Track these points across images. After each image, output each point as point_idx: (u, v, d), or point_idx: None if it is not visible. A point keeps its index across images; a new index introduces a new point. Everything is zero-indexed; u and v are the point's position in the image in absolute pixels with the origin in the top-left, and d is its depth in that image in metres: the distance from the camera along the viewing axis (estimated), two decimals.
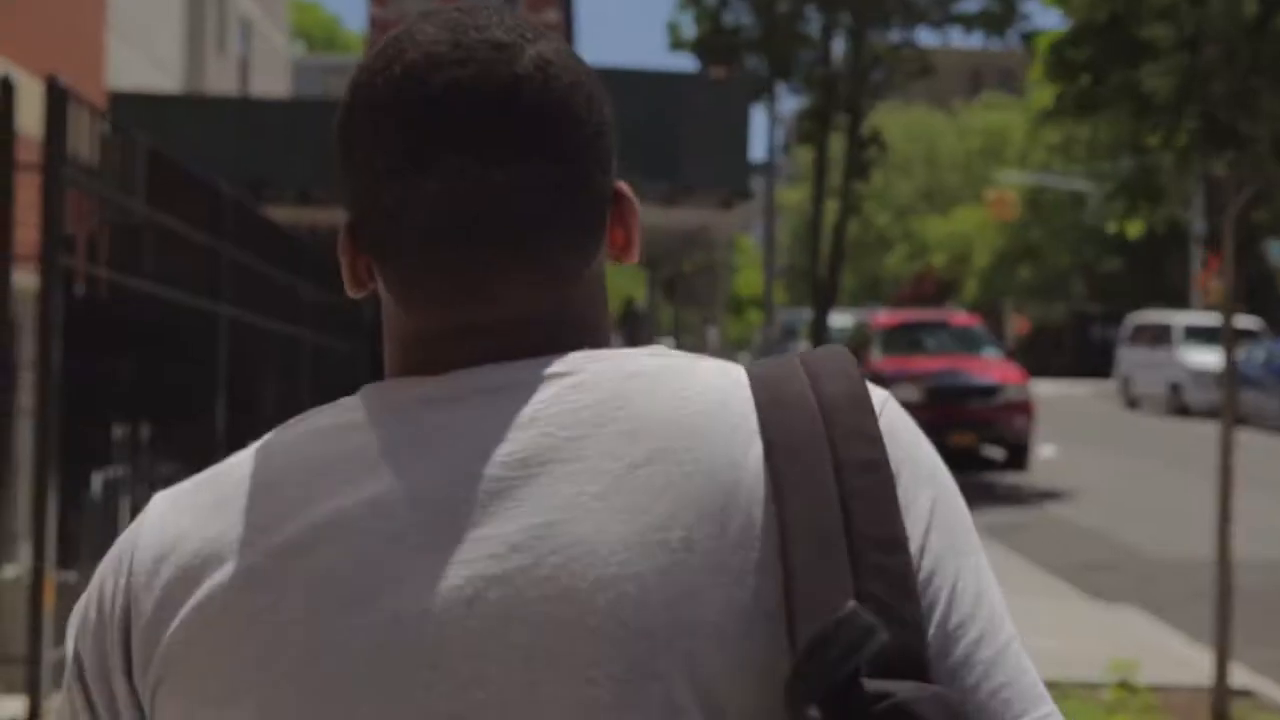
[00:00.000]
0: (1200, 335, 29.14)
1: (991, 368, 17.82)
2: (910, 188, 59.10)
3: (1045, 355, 44.70)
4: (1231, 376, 5.77)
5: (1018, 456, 17.65)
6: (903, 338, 19.00)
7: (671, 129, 17.53)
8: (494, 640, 0.88)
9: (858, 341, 19.60)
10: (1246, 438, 23.24)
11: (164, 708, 0.94)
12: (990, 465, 17.47)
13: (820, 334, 22.45)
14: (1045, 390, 23.21)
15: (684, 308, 27.51)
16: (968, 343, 18.87)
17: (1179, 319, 30.36)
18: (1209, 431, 24.91)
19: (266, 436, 1.00)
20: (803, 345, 30.69)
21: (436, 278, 0.97)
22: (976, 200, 53.35)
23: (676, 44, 20.66)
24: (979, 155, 56.71)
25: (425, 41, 0.98)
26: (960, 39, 55.94)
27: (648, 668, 0.87)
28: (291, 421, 1.00)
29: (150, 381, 6.01)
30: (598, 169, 1.02)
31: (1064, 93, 5.94)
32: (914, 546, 0.91)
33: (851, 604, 0.84)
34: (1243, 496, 16.33)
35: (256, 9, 33.34)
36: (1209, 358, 27.95)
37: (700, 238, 19.40)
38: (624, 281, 61.28)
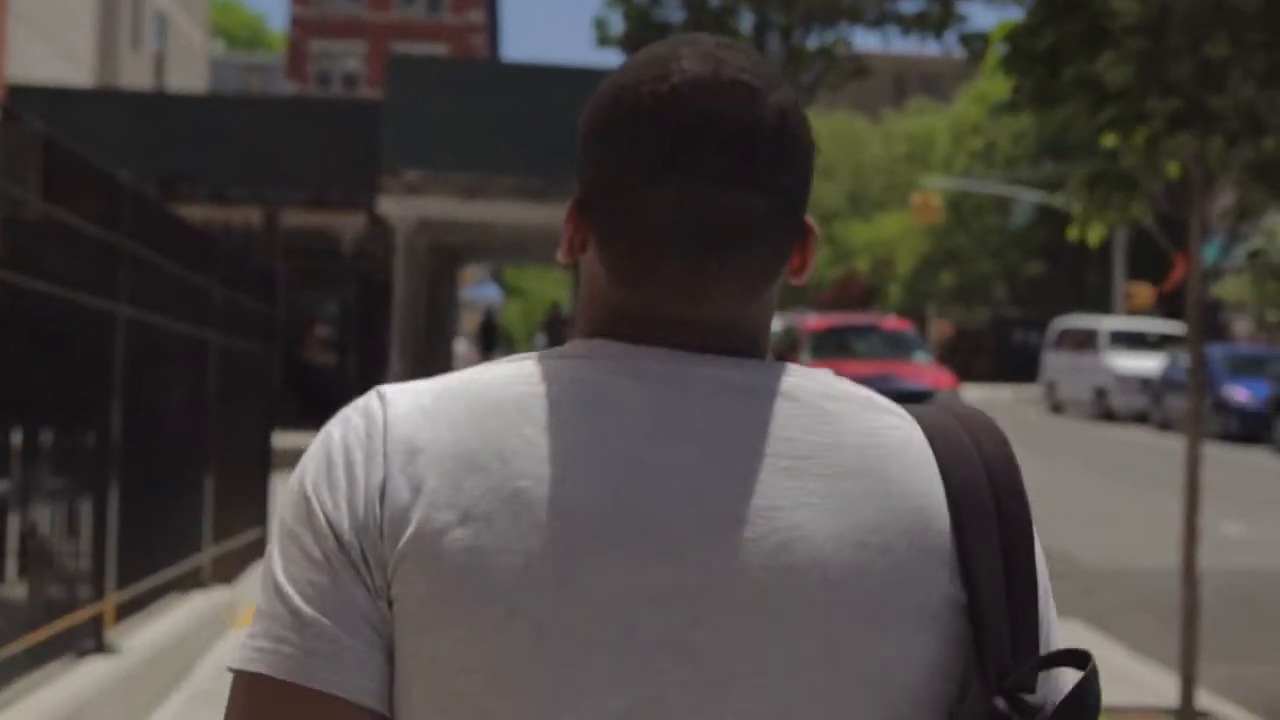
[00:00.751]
0: (1125, 340, 29.20)
1: (923, 372, 17.56)
2: (834, 192, 59.16)
3: (967, 359, 44.78)
4: (1197, 385, 5.46)
5: None
6: (833, 341, 18.70)
7: None
8: (727, 593, 1.07)
9: (787, 345, 19.29)
10: (1174, 444, 23.25)
11: (411, 577, 1.05)
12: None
13: None
14: (969, 395, 23.07)
15: None
16: (899, 347, 18.61)
17: (1105, 324, 30.42)
18: (1136, 437, 24.99)
19: (503, 365, 1.14)
20: None
21: (657, 272, 1.12)
22: (900, 205, 53.44)
23: (604, 40, 20.24)
24: (903, 161, 56.86)
25: (690, 70, 1.13)
26: (885, 44, 56.04)
27: (842, 638, 1.07)
28: (525, 357, 1.15)
29: (36, 387, 5.52)
30: (801, 206, 1.17)
31: (1020, 85, 5.60)
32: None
33: (1093, 663, 1.09)
34: (1173, 504, 16.16)
35: (172, 4, 32.56)
36: (1135, 362, 28.02)
37: None
38: (548, 285, 60.87)
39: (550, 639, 1.05)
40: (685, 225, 1.11)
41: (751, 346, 1.17)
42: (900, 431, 1.14)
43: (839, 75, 19.05)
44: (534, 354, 1.15)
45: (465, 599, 1.05)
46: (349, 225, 19.40)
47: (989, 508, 1.12)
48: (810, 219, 1.20)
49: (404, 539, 1.06)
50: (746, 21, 19.16)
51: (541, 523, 1.06)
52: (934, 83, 71.32)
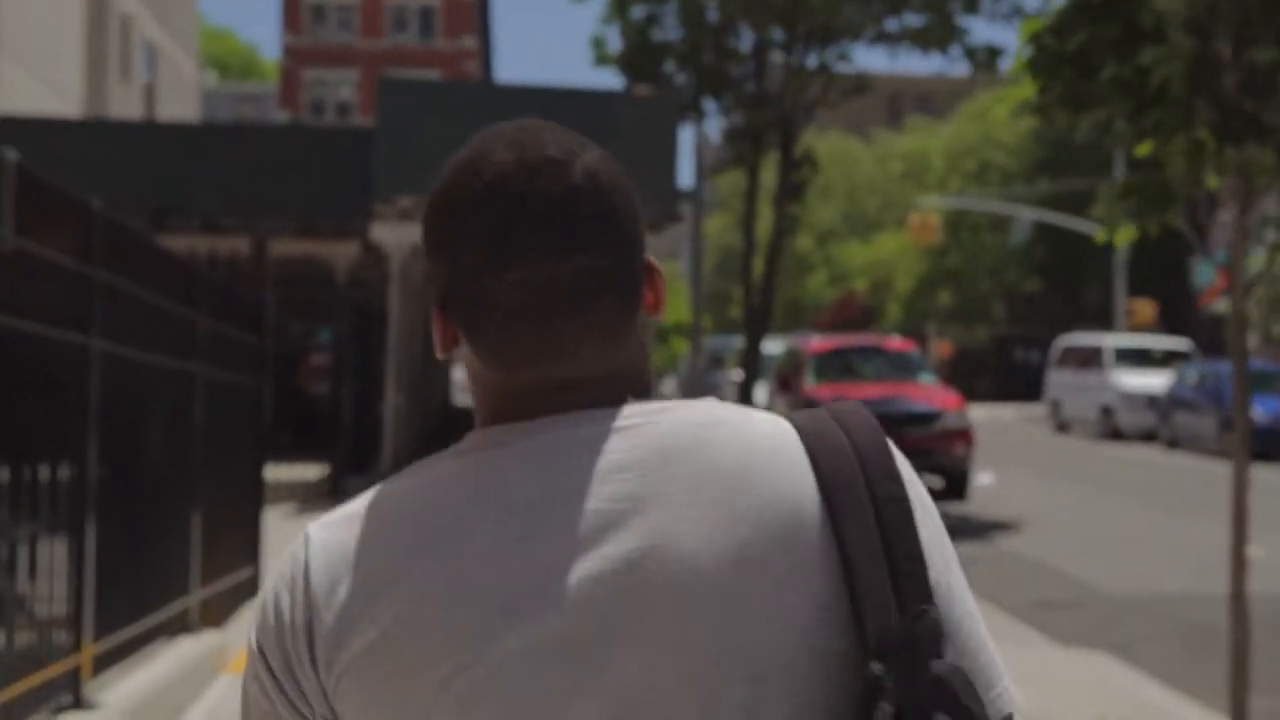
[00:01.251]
0: (1131, 357, 28.85)
1: (929, 393, 17.19)
2: (830, 213, 58.90)
3: (968, 379, 44.44)
4: (1244, 404, 5.10)
5: (957, 485, 17.03)
6: (837, 363, 18.33)
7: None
8: (624, 633, 1.15)
9: (791, 368, 18.93)
10: (1184, 463, 22.92)
11: (348, 692, 1.20)
12: (929, 494, 16.81)
13: (753, 361, 21.72)
14: (973, 414, 22.71)
15: None
16: (903, 368, 18.25)
17: (1109, 341, 30.04)
18: (1146, 456, 24.61)
19: (406, 477, 1.26)
20: (732, 373, 29.88)
21: (519, 346, 1.23)
22: (897, 225, 53.18)
23: (602, 59, 19.90)
24: (898, 181, 56.64)
25: (497, 162, 1.24)
26: (891, 61, 55.71)
27: (735, 651, 1.15)
28: (425, 463, 1.26)
29: (3, 423, 5.17)
30: (635, 250, 1.28)
31: (1047, 86, 5.27)
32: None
33: (930, 607, 1.17)
34: (1189, 525, 15.77)
35: (163, 35, 32.29)
36: (1141, 380, 27.66)
37: None
38: None
39: (473, 709, 1.15)
40: (533, 300, 1.21)
41: (627, 390, 1.26)
42: (772, 440, 1.22)
43: (839, 93, 18.70)
44: (433, 458, 1.26)
45: (395, 699, 1.17)
46: (342, 253, 19.05)
47: (861, 492, 1.19)
48: (650, 257, 1.29)
49: (339, 663, 1.19)
50: (746, 40, 18.83)
51: (450, 611, 1.16)
52: (928, 103, 71.14)
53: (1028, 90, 5.42)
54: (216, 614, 8.56)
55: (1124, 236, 5.57)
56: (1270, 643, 8.84)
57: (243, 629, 8.76)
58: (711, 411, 1.24)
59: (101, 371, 6.14)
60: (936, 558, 1.21)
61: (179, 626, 7.69)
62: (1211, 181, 5.26)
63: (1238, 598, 5.11)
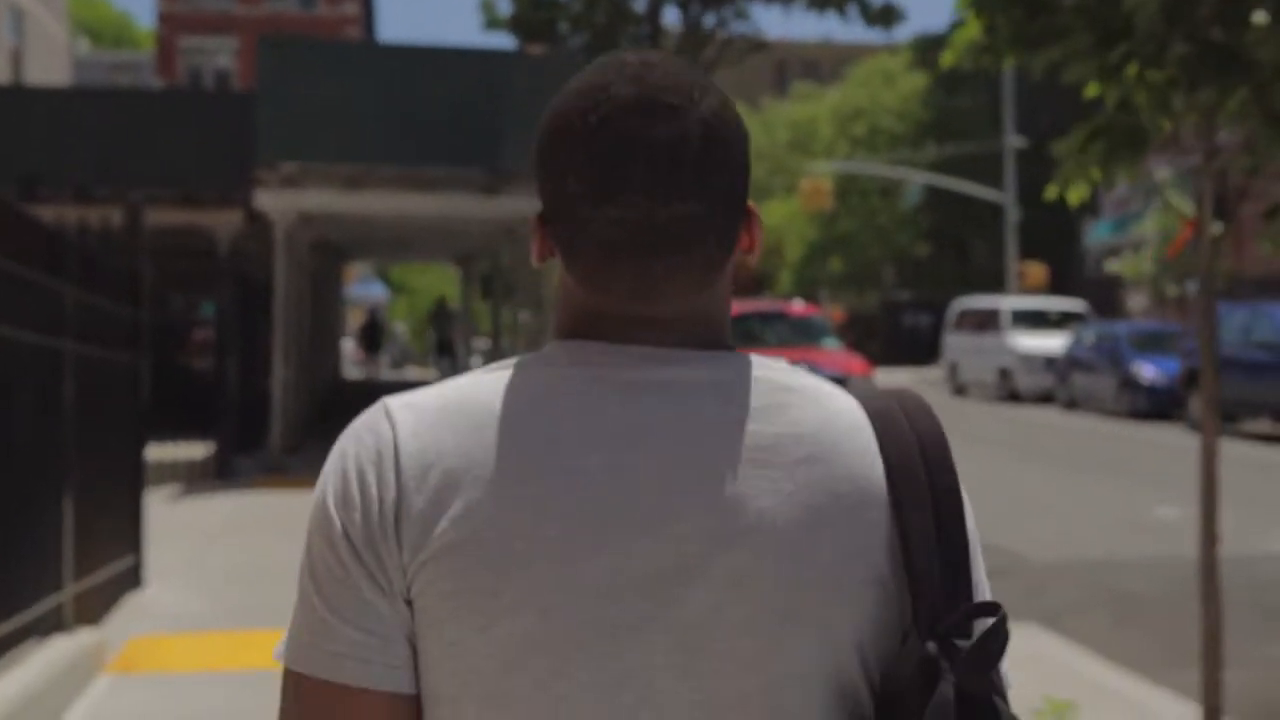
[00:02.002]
0: (1027, 319, 28.87)
1: (835, 359, 16.88)
2: None
3: (861, 344, 44.45)
4: (1212, 366, 4.73)
5: None
6: (739, 329, 17.94)
7: (488, 112, 16.20)
8: (699, 574, 1.20)
9: None
10: (1084, 424, 22.92)
11: (431, 579, 1.20)
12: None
13: None
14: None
15: (504, 305, 25.79)
16: (808, 333, 17.94)
17: (1006, 303, 30.03)
18: (1046, 418, 24.61)
19: (497, 372, 1.28)
20: None
21: (612, 278, 1.26)
22: (785, 193, 53.07)
23: (492, 23, 19.23)
24: (785, 148, 56.53)
25: (617, 97, 1.24)
26: (785, 22, 55.24)
27: (800, 605, 1.21)
28: (512, 365, 1.28)
29: None
30: (739, 201, 1.30)
31: (994, 25, 4.84)
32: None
33: (1003, 611, 1.21)
34: (1098, 487, 15.57)
35: None
36: (1038, 342, 27.69)
37: (522, 229, 17.87)
38: (435, 279, 59.62)
39: (553, 621, 1.19)
40: (630, 237, 1.24)
41: (709, 336, 1.30)
42: (847, 417, 1.28)
43: (736, 53, 18.28)
44: (516, 360, 1.28)
45: (480, 593, 1.19)
46: (225, 222, 18.26)
47: (922, 481, 1.26)
48: (751, 203, 1.31)
49: (425, 548, 1.20)
50: (641, 0, 18.30)
51: (541, 523, 1.19)
52: (814, 70, 71.13)
53: (972, 30, 4.99)
54: (93, 609, 7.94)
55: (1076, 194, 5.16)
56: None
57: (123, 625, 8.15)
58: (792, 375, 1.29)
59: None
60: (976, 551, 1.29)
61: (52, 624, 7.06)
62: (1164, 124, 4.87)
63: (1209, 572, 4.75)
